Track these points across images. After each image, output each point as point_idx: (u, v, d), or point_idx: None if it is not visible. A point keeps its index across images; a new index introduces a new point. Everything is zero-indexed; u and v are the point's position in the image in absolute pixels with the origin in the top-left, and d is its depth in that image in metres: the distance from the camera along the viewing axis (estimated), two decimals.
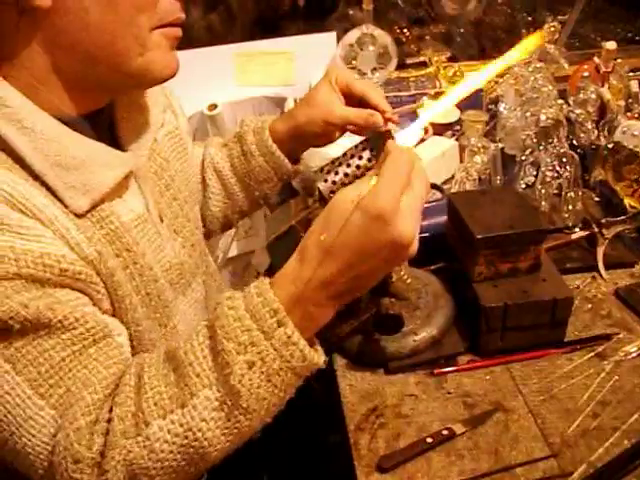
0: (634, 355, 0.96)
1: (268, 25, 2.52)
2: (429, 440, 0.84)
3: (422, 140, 1.43)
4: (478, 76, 0.79)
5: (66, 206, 0.74)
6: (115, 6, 0.70)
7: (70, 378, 0.70)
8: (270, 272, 0.72)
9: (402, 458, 0.82)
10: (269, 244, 0.97)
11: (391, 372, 0.95)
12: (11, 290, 0.66)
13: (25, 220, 0.69)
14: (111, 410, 0.69)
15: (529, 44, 0.84)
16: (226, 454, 0.72)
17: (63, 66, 0.73)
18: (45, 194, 0.72)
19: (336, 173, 0.82)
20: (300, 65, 1.73)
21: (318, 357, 0.70)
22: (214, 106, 1.62)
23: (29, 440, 0.69)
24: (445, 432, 0.85)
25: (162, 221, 0.90)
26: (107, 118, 0.84)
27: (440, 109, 0.82)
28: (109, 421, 0.69)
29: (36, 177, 0.72)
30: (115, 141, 0.85)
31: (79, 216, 0.75)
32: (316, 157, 1.24)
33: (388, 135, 0.81)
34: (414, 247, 0.67)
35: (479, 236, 0.94)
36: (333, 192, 0.83)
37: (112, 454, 0.67)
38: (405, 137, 0.81)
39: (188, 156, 1.03)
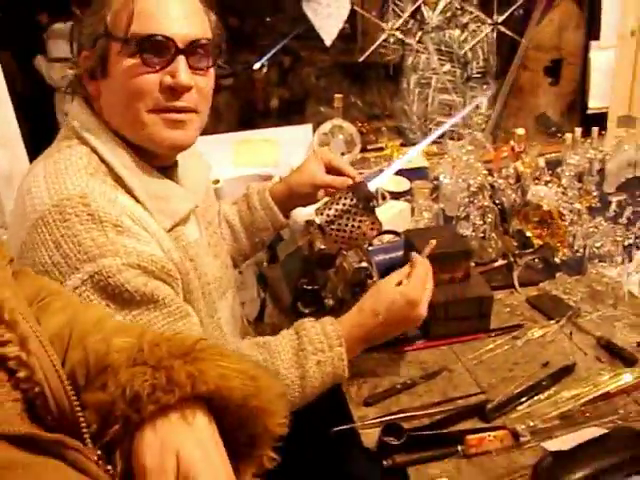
0: (537, 336, 1.36)
1: (247, 122, 3.02)
2: (398, 386, 1.22)
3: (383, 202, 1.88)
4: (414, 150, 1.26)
5: (157, 223, 1.13)
6: (122, 93, 1.08)
7: None
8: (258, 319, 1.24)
9: (380, 397, 1.20)
10: (282, 261, 1.37)
11: (368, 351, 1.33)
12: (134, 274, 1.03)
13: (141, 231, 1.07)
14: None
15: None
16: None
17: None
18: (147, 215, 1.11)
19: (329, 209, 1.25)
20: (283, 150, 2.19)
21: (346, 374, 1.16)
22: (217, 181, 2.05)
23: None
24: (409, 382, 1.23)
25: (209, 245, 1.30)
26: (172, 170, 1.24)
27: (392, 170, 1.27)
28: None
29: (140, 203, 1.11)
30: None
31: (166, 232, 1.14)
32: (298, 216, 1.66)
33: (363, 185, 1.25)
34: (423, 316, 1.18)
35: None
36: (327, 222, 1.26)
37: None
38: (373, 184, 1.24)
39: (216, 207, 1.44)
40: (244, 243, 1.51)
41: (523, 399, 1.18)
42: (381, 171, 1.27)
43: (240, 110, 3.08)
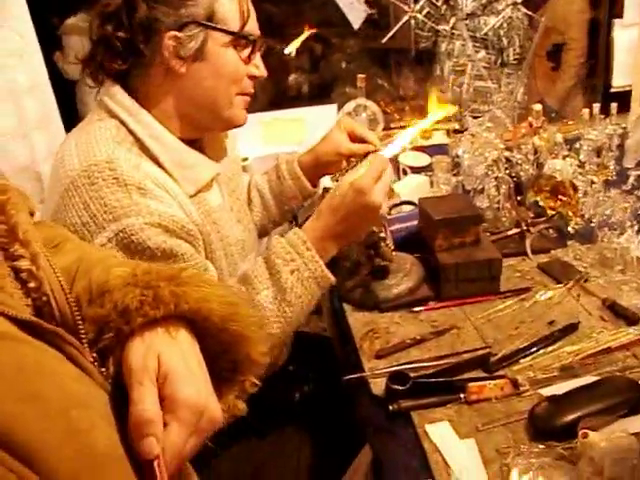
0: (544, 298, 1.42)
1: (278, 104, 3.12)
2: (408, 341, 1.30)
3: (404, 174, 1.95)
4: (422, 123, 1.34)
5: (181, 189, 1.23)
6: (221, 78, 1.22)
7: None
8: None
9: (391, 351, 1.28)
10: (301, 223, 1.46)
11: (383, 311, 1.41)
12: (156, 232, 1.13)
13: (163, 193, 1.17)
14: None
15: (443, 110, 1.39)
16: (277, 343, 1.20)
17: (181, 109, 1.24)
18: (171, 180, 1.21)
19: (343, 176, 1.33)
20: (309, 129, 2.27)
21: (330, 274, 1.22)
22: (246, 159, 2.14)
23: None
24: (418, 337, 1.31)
25: (232, 210, 1.39)
26: (198, 143, 1.35)
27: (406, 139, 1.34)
28: None
29: (165, 170, 1.21)
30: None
31: (189, 197, 1.24)
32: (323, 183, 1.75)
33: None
34: (378, 203, 1.20)
35: (437, 218, 1.43)
36: None
37: None
38: (388, 152, 1.31)
39: (242, 177, 1.53)
40: (274, 211, 1.60)
41: (526, 353, 1.24)
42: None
43: (272, 93, 3.19)
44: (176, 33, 1.17)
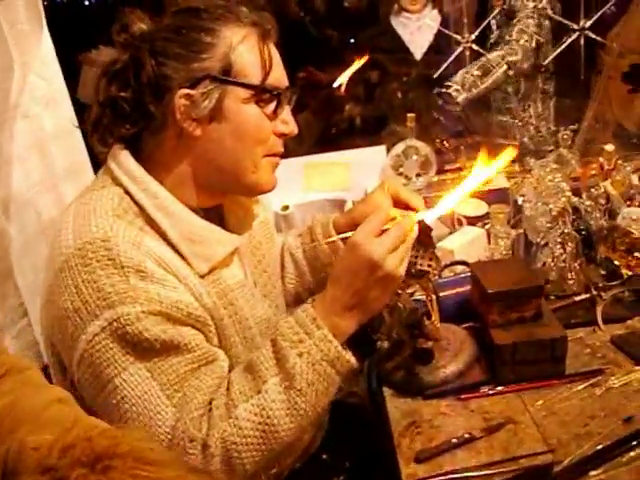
0: (620, 384, 1.21)
1: (329, 140, 2.96)
2: (454, 441, 1.11)
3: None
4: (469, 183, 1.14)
5: (192, 268, 1.09)
6: (243, 139, 1.08)
7: (187, 386, 1.02)
8: None
9: (434, 452, 1.09)
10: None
11: (427, 398, 1.23)
12: (155, 321, 1.00)
13: (167, 275, 1.03)
14: (211, 403, 1.01)
15: (506, 157, 1.17)
16: (293, 438, 1.02)
17: (199, 175, 1.10)
18: (178, 258, 1.07)
19: None
20: (356, 173, 2.11)
21: (350, 356, 1.03)
22: (286, 207, 1.99)
23: (156, 430, 0.99)
24: (467, 435, 1.12)
25: (255, 286, 1.24)
26: (218, 209, 1.21)
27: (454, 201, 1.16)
28: (210, 411, 1.01)
29: (172, 246, 1.07)
30: (223, 227, 1.20)
31: (201, 276, 1.10)
32: None
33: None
34: (390, 268, 1.01)
35: (491, 291, 1.24)
36: None
37: (213, 433, 0.99)
38: (430, 216, 1.14)
39: (273, 242, 1.38)
40: (309, 278, 1.43)
41: (598, 461, 1.03)
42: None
43: (321, 130, 3.03)
44: (188, 91, 1.04)
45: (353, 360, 1.04)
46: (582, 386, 1.22)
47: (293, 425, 1.02)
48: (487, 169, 1.17)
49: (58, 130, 1.77)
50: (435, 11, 2.51)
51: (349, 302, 1.04)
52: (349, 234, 1.09)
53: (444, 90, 2.04)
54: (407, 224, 1.06)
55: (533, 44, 2.11)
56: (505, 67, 2.09)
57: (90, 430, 0.54)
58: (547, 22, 2.19)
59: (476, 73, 2.08)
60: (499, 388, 1.23)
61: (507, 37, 2.14)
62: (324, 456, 1.32)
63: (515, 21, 2.21)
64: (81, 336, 0.99)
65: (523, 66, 2.12)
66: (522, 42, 2.11)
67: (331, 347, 1.02)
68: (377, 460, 1.30)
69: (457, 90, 2.03)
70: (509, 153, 1.16)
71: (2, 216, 1.53)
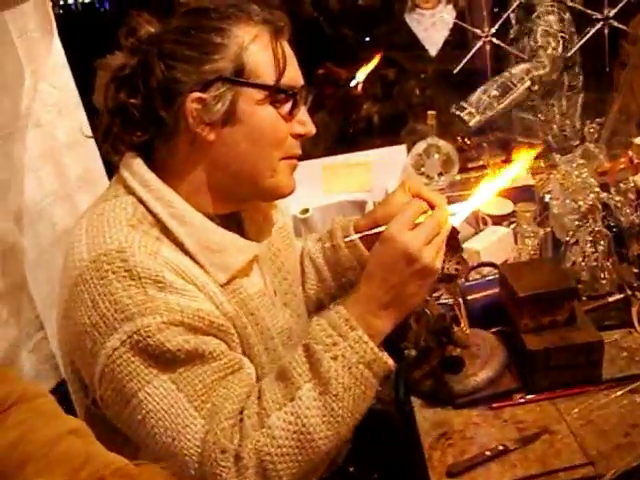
0: None
1: (347, 140, 2.91)
2: (488, 453, 1.06)
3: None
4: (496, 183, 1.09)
5: (211, 276, 1.05)
6: (259, 142, 1.03)
7: (215, 395, 0.97)
8: None
9: (467, 466, 1.04)
10: None
11: (457, 407, 1.18)
12: (177, 332, 0.95)
13: (186, 285, 0.99)
14: (242, 413, 0.97)
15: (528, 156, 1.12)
16: (331, 447, 0.97)
17: (214, 181, 1.06)
18: (197, 267, 1.03)
19: None
20: (376, 173, 2.06)
21: (386, 357, 0.98)
22: (306, 210, 1.95)
23: (185, 443, 0.95)
24: (501, 447, 1.07)
25: (275, 295, 1.19)
26: (236, 216, 1.16)
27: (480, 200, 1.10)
28: (241, 421, 0.96)
29: (190, 255, 1.03)
30: (242, 234, 1.16)
31: (220, 285, 1.06)
32: None
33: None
34: (427, 261, 0.97)
35: (522, 294, 1.18)
36: None
37: (246, 443, 0.93)
38: (456, 220, 1.09)
39: (293, 247, 1.33)
40: (330, 283, 1.37)
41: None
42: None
43: (338, 130, 2.99)
44: (200, 94, 1.00)
45: (390, 362, 0.99)
46: (620, 392, 1.16)
47: (330, 433, 0.96)
48: (513, 168, 1.12)
49: (71, 138, 1.74)
50: (450, 6, 2.46)
51: (384, 299, 0.99)
52: (374, 231, 1.05)
53: (457, 113, 1.99)
54: (441, 216, 1.01)
55: (560, 49, 2.04)
56: (528, 83, 2.03)
57: (103, 469, 0.51)
58: (568, 15, 2.14)
59: (494, 93, 2.02)
60: (532, 396, 1.18)
61: (532, 43, 2.07)
62: (351, 469, 1.28)
63: (534, 17, 2.15)
64: (101, 351, 0.96)
65: (551, 78, 2.06)
66: (550, 50, 2.04)
67: (367, 349, 0.97)
68: (406, 472, 1.25)
69: (470, 113, 1.98)
70: (533, 152, 1.11)
71: (15, 228, 1.49)
